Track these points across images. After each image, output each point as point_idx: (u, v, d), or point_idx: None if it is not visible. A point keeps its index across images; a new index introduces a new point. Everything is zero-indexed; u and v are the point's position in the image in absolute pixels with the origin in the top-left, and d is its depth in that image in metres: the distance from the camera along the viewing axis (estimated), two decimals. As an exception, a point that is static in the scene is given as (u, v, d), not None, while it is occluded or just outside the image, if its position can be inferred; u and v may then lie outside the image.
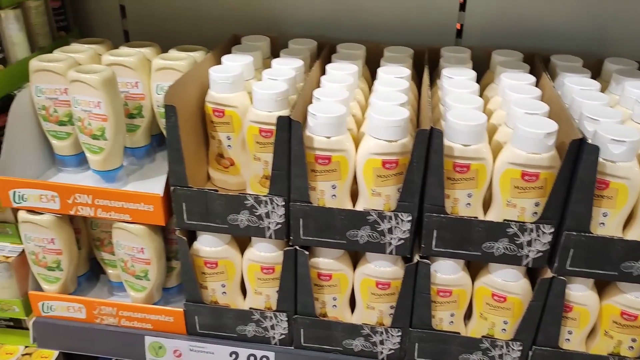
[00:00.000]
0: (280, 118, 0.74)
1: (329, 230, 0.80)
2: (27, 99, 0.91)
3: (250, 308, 0.90)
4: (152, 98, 0.94)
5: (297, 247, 0.82)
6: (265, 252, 0.86)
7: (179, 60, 0.91)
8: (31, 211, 0.89)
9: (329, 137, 0.75)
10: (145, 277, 0.90)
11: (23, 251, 0.98)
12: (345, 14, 1.12)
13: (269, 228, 0.82)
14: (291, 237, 0.82)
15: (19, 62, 0.97)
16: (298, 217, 0.80)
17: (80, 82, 0.83)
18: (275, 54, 1.03)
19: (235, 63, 0.91)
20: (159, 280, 0.92)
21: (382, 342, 0.87)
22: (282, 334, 0.90)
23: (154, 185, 0.89)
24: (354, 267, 0.86)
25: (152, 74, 0.92)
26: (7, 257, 0.97)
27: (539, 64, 0.96)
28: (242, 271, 0.90)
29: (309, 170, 0.77)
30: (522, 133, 0.71)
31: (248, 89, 0.87)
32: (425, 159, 0.74)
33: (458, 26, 1.11)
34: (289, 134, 0.75)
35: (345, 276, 0.85)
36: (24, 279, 1.00)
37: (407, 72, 0.91)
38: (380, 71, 0.92)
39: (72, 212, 0.87)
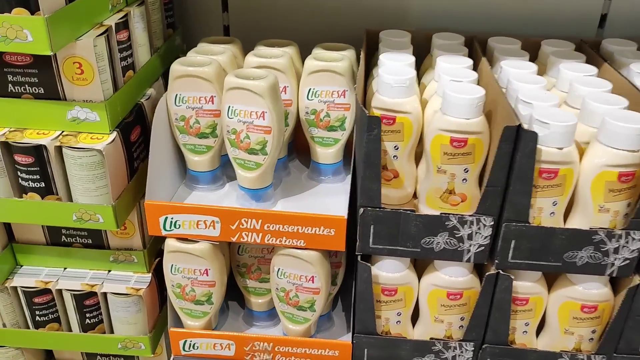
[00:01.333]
0: (507, 128, 0.65)
1: (544, 251, 0.71)
2: (164, 108, 0.79)
3: (431, 338, 0.80)
4: (301, 104, 0.83)
5: (501, 271, 0.73)
6: (456, 277, 0.76)
7: (336, 62, 0.80)
8: (182, 239, 0.77)
9: (561, 149, 0.66)
10: (310, 308, 0.80)
11: (152, 282, 0.87)
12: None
13: (468, 251, 0.73)
14: (496, 261, 0.73)
15: (144, 67, 0.85)
16: (510, 238, 0.71)
17: (241, 90, 0.72)
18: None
19: (398, 63, 0.80)
20: (323, 310, 0.82)
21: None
22: (462, 365, 0.82)
23: (306, 203, 0.81)
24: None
25: (304, 77, 0.81)
26: (137, 290, 0.85)
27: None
28: (420, 297, 0.80)
29: (528, 186, 0.68)
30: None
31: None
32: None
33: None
34: (513, 145, 0.66)
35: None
36: (152, 312, 0.88)
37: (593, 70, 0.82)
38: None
39: (233, 239, 0.76)
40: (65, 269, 0.88)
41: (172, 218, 0.75)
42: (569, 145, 0.67)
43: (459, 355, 0.80)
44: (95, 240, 0.86)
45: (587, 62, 0.85)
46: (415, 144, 0.79)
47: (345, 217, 0.73)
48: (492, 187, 0.69)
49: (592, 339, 0.79)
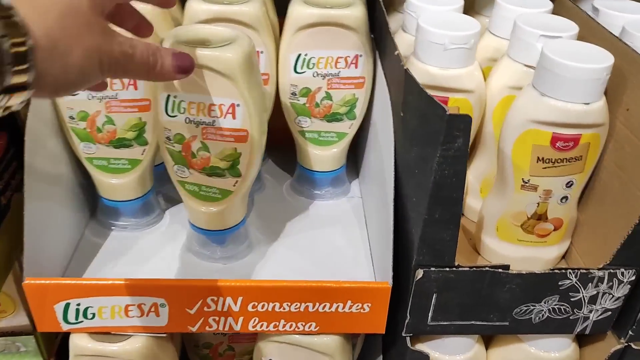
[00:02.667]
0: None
1: None
2: (45, 103, 0.44)
3: None
4: (283, 80, 0.51)
5: (633, 345, 0.46)
6: (552, 352, 0.49)
7: (343, 8, 0.48)
8: (96, 334, 0.44)
9: None
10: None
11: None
12: None
13: (585, 319, 0.45)
14: (630, 332, 0.45)
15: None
16: (664, 298, 0.43)
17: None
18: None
19: (442, 7, 0.50)
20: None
21: None
22: None
23: (302, 244, 0.51)
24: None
25: (289, 36, 0.49)
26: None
27: None
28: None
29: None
30: None
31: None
32: None
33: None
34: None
35: None
36: None
37: None
38: None
39: (193, 329, 0.43)
40: None
41: (78, 305, 0.42)
42: None
43: None
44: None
45: None
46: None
47: (390, 283, 0.42)
48: (646, 224, 0.40)
49: None
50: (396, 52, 0.42)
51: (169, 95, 0.42)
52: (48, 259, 0.44)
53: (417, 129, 0.39)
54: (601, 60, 0.41)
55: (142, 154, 0.49)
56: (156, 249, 0.50)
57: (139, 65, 0.33)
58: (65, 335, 0.57)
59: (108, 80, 0.44)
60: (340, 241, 0.52)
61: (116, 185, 0.49)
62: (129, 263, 0.48)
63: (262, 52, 0.49)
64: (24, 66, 0.26)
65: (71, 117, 0.46)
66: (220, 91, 0.40)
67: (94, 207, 0.53)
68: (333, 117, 0.52)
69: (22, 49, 0.26)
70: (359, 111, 0.52)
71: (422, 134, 0.38)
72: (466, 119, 0.35)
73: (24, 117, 0.45)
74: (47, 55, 0.27)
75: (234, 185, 0.45)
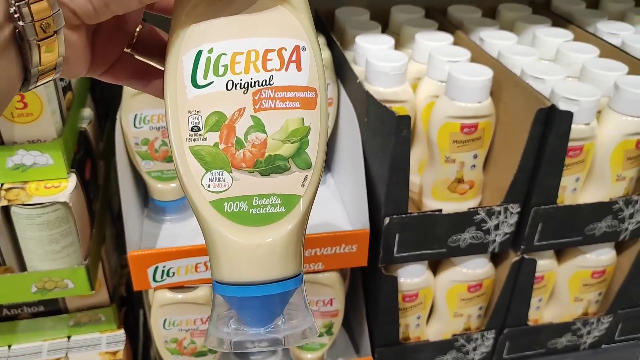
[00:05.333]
0: (540, 111, 0.60)
1: (568, 229, 0.69)
2: (120, 132, 0.64)
3: (454, 335, 0.76)
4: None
5: (525, 256, 0.70)
6: (477, 269, 0.72)
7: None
8: (173, 288, 0.64)
9: (588, 124, 0.64)
10: (328, 332, 0.72)
11: (127, 341, 0.72)
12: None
13: (493, 242, 0.69)
14: (522, 246, 0.70)
15: (77, 84, 0.68)
16: (538, 222, 0.68)
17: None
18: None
19: (379, 46, 0.73)
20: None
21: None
22: (483, 353, 0.79)
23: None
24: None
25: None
26: (114, 353, 0.70)
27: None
28: (438, 296, 0.75)
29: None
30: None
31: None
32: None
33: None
34: (543, 127, 0.62)
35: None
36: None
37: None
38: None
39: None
40: (10, 346, 0.70)
41: (164, 267, 0.62)
42: (593, 119, 0.64)
43: (480, 344, 0.78)
44: (49, 306, 0.69)
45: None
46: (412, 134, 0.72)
47: (368, 228, 0.65)
48: (522, 174, 0.64)
49: (598, 301, 0.80)
50: (358, 81, 0.65)
51: (199, 52, 0.29)
52: (132, 240, 0.64)
53: (378, 127, 0.62)
54: (485, 73, 0.65)
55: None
56: (196, 235, 0.70)
57: None
58: (128, 309, 0.76)
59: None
60: (325, 212, 0.73)
61: (165, 190, 0.69)
62: (184, 239, 0.68)
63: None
64: None
65: (136, 144, 0.66)
66: (278, 28, 0.30)
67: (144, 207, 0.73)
68: (312, 127, 0.74)
69: None
70: (330, 122, 0.75)
71: (381, 129, 0.61)
72: (407, 118, 0.58)
73: (95, 145, 0.64)
74: None
75: (303, 185, 0.31)
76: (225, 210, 0.30)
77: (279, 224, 0.30)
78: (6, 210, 0.56)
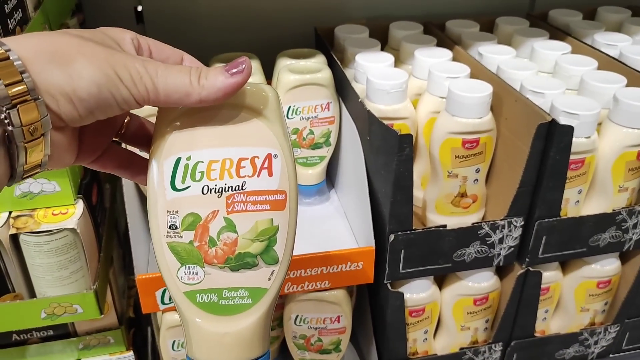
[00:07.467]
0: (541, 126, 0.61)
1: (573, 241, 0.70)
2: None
3: (461, 348, 0.76)
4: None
5: (530, 268, 0.71)
6: (482, 282, 0.73)
7: (317, 73, 0.71)
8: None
9: (588, 137, 0.64)
10: (335, 349, 0.72)
11: (136, 361, 0.73)
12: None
13: (498, 255, 0.69)
14: (527, 259, 0.70)
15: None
16: (542, 235, 0.68)
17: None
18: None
19: (380, 64, 0.73)
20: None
21: None
22: (491, 366, 0.79)
23: (308, 235, 0.71)
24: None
25: (282, 94, 0.71)
26: (124, 376, 0.71)
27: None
28: (444, 310, 0.75)
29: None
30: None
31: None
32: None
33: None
34: (544, 141, 0.62)
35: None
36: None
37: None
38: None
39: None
40: (19, 371, 0.71)
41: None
42: (594, 132, 0.65)
43: (488, 357, 0.78)
44: (59, 330, 0.69)
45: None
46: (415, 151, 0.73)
47: (374, 246, 0.65)
48: (524, 188, 0.65)
49: (604, 310, 0.80)
50: (359, 100, 0.65)
51: (178, 159, 0.33)
52: (140, 263, 0.64)
53: (380, 146, 0.63)
54: (485, 89, 0.65)
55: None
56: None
57: (174, 75, 0.29)
58: (136, 330, 0.76)
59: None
60: (331, 229, 0.74)
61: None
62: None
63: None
64: (14, 72, 0.25)
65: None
66: (252, 138, 0.33)
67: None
68: (315, 146, 0.75)
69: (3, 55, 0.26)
70: (333, 140, 0.75)
71: (384, 148, 0.62)
72: (409, 137, 0.59)
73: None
74: (41, 64, 0.27)
75: (270, 279, 0.34)
76: (198, 301, 0.33)
77: (246, 314, 0.34)
78: (15, 237, 0.57)
